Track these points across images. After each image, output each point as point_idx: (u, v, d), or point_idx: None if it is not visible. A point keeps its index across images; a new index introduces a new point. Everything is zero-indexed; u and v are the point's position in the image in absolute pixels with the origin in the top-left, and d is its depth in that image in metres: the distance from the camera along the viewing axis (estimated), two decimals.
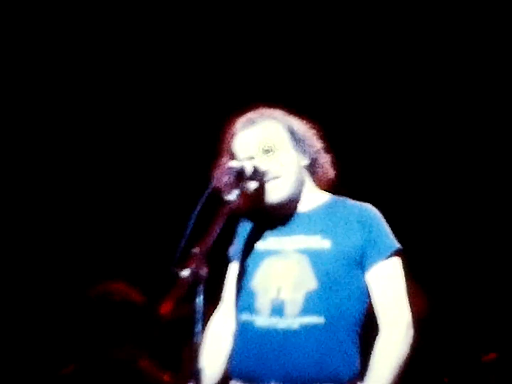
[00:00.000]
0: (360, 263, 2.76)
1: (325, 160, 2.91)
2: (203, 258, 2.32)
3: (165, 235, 4.73)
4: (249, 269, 2.81)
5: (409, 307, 2.73)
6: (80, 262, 5.45)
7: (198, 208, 2.45)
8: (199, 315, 2.27)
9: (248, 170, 2.65)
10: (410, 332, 2.69)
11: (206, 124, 4.85)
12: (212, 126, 3.13)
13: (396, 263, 2.78)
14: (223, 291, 2.95)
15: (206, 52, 5.67)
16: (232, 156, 2.84)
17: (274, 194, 2.77)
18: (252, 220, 2.95)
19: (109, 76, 5.72)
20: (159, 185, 5.87)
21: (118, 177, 5.86)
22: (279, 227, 2.85)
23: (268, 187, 2.76)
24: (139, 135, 5.87)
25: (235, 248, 2.91)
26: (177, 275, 2.31)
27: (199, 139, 5.01)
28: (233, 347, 2.82)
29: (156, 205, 5.87)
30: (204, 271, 2.29)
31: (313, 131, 2.91)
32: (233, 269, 2.93)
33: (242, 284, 2.82)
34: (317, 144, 2.89)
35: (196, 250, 2.33)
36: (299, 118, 2.93)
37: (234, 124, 2.90)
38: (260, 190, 2.73)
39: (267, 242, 2.83)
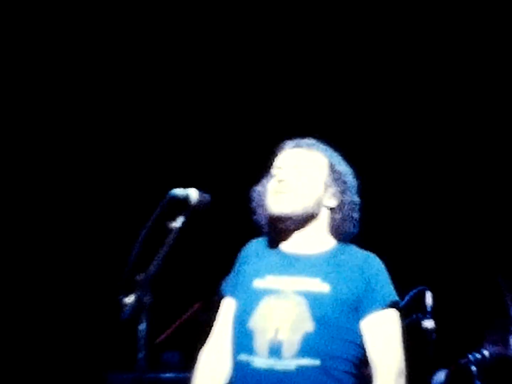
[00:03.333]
0: (357, 310, 2.79)
1: (349, 212, 2.92)
2: (147, 285, 2.37)
3: (109, 261, 4.88)
4: (246, 307, 2.83)
5: (403, 358, 2.80)
6: None
7: (143, 234, 2.46)
8: (141, 342, 2.31)
9: (193, 197, 2.66)
10: (402, 381, 2.79)
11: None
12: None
13: (393, 314, 2.82)
14: (215, 325, 2.96)
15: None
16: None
17: (277, 205, 2.81)
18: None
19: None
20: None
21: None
22: (280, 266, 2.86)
23: (275, 199, 2.81)
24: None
25: (231, 282, 2.92)
26: (120, 302, 2.37)
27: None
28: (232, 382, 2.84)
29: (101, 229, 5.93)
30: (147, 298, 2.34)
31: (355, 182, 2.94)
32: (227, 304, 2.93)
33: (239, 322, 2.83)
34: (350, 196, 2.91)
35: (140, 277, 2.38)
36: (348, 165, 2.96)
37: (286, 143, 2.97)
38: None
39: (267, 281, 2.84)
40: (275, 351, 2.75)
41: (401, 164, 5.77)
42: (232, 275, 2.95)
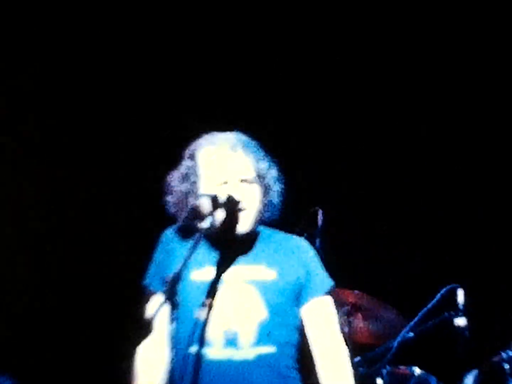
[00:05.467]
0: (299, 296, 2.89)
1: (277, 202, 2.96)
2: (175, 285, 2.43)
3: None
4: (190, 300, 2.81)
5: (343, 341, 2.93)
6: None
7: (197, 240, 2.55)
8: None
9: (222, 198, 2.70)
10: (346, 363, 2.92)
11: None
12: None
13: (330, 300, 2.94)
14: (151, 322, 2.83)
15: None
16: (195, 177, 2.87)
17: (238, 225, 2.81)
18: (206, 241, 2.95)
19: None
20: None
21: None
22: (217, 255, 2.89)
23: (234, 217, 2.79)
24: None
25: (157, 276, 2.91)
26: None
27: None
28: (181, 378, 2.83)
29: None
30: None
31: (277, 172, 2.97)
32: (159, 299, 2.84)
33: (184, 316, 2.80)
34: (276, 186, 2.96)
35: (168, 277, 2.44)
36: (268, 156, 2.98)
37: (200, 142, 2.93)
38: (227, 219, 2.77)
39: (207, 272, 2.86)
40: (231, 341, 2.79)
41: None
42: (154, 268, 2.93)
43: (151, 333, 2.75)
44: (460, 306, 4.27)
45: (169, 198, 2.87)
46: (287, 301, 2.88)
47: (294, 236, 3.03)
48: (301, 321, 2.95)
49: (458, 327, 4.26)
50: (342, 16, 5.75)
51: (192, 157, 2.87)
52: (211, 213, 2.66)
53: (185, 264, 2.58)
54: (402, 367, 4.51)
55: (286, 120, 5.70)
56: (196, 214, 2.65)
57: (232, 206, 2.74)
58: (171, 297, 2.52)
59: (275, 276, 2.87)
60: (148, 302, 2.88)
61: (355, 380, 3.02)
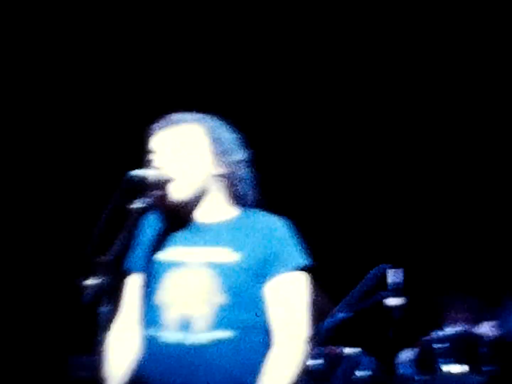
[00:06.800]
0: (265, 275, 2.79)
1: (243, 174, 2.89)
2: (109, 267, 2.41)
3: (70, 244, 4.93)
4: (152, 282, 2.81)
5: (305, 322, 2.76)
6: None
7: (104, 216, 2.47)
8: (103, 324, 2.35)
9: (151, 178, 2.68)
10: (305, 349, 2.75)
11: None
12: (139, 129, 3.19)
13: (300, 278, 2.77)
14: (122, 303, 2.91)
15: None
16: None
17: (175, 193, 2.78)
18: (158, 224, 2.91)
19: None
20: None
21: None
22: (183, 238, 2.84)
23: (171, 186, 2.78)
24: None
25: (134, 257, 2.89)
26: (81, 285, 2.39)
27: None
28: (140, 361, 2.83)
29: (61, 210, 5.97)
30: (109, 281, 2.37)
31: (239, 142, 2.90)
32: (132, 280, 2.89)
33: (145, 297, 2.82)
34: (238, 156, 2.87)
35: (102, 259, 2.41)
36: (227, 126, 2.92)
37: (156, 124, 2.88)
38: (162, 197, 2.74)
39: (170, 253, 2.82)
40: (185, 325, 2.73)
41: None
42: (133, 249, 2.89)
43: (122, 315, 2.83)
44: (390, 286, 4.37)
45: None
46: (251, 284, 2.78)
47: (273, 216, 2.87)
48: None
49: (389, 307, 4.36)
50: (339, 14, 5.73)
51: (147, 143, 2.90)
52: (144, 193, 2.63)
53: (144, 250, 2.72)
54: (333, 347, 4.61)
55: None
56: (128, 195, 2.61)
57: (163, 183, 2.70)
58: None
59: (239, 259, 2.77)
60: (125, 283, 2.87)
61: None
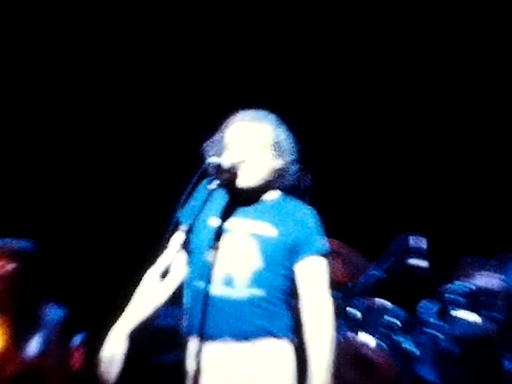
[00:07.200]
0: (295, 253, 3.12)
1: (294, 169, 3.21)
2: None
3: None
4: (203, 242, 3.11)
5: (331, 299, 3.12)
6: None
7: (186, 195, 2.99)
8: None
9: (225, 164, 3.05)
10: (332, 309, 3.13)
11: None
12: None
13: (324, 262, 3.14)
14: (165, 250, 3.21)
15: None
16: (221, 144, 3.20)
17: (243, 180, 3.11)
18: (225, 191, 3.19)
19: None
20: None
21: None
22: (235, 210, 3.16)
23: (240, 173, 3.09)
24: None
25: (187, 215, 3.13)
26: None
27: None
28: (187, 309, 3.13)
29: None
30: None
31: (294, 142, 3.23)
32: (180, 235, 3.17)
33: (196, 254, 3.13)
34: (293, 156, 3.21)
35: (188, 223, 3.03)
36: (286, 127, 3.24)
37: (233, 117, 3.21)
38: (231, 181, 3.11)
39: (224, 221, 3.13)
40: (228, 281, 3.05)
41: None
42: (187, 208, 3.14)
43: (162, 262, 3.15)
44: (412, 251, 4.94)
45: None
46: (282, 255, 3.11)
47: (306, 205, 3.21)
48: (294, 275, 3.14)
49: (412, 265, 4.96)
50: (338, 12, 6.05)
51: (223, 129, 3.21)
52: (217, 177, 3.05)
53: (201, 213, 3.03)
54: (371, 298, 5.06)
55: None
56: (207, 175, 3.07)
57: (234, 171, 3.07)
58: (187, 241, 3.03)
59: (276, 234, 3.10)
60: (174, 234, 3.16)
61: (337, 311, 3.25)
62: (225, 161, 3.05)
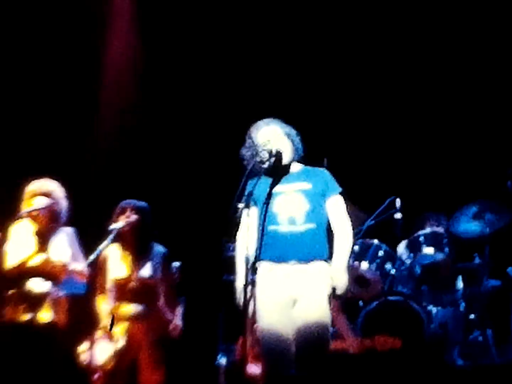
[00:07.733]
0: (323, 196, 4.20)
1: (302, 151, 4.31)
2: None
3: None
4: (270, 202, 4.09)
5: (349, 220, 4.19)
6: None
7: (242, 184, 3.89)
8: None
9: (273, 150, 4.15)
10: (351, 232, 4.19)
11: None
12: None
13: (340, 198, 4.25)
14: (249, 218, 4.04)
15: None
16: (254, 145, 4.19)
17: (285, 159, 4.23)
18: (266, 176, 4.09)
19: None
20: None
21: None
22: (282, 179, 4.20)
23: (282, 156, 4.17)
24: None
25: (250, 196, 3.99)
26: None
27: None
28: (263, 244, 3.99)
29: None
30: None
31: (299, 136, 4.32)
32: (253, 210, 4.10)
33: (267, 210, 4.06)
34: (300, 145, 4.33)
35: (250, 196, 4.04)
36: (291, 127, 4.32)
37: (254, 126, 4.27)
38: (277, 160, 4.17)
39: (278, 187, 4.17)
40: (292, 221, 4.05)
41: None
42: (247, 193, 4.03)
43: (245, 227, 4.04)
44: (397, 208, 6.25)
45: (244, 162, 4.29)
46: (319, 199, 4.14)
47: (322, 169, 4.29)
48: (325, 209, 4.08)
49: (396, 218, 6.29)
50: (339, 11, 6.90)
51: (249, 135, 4.30)
52: (269, 159, 4.11)
53: (257, 191, 4.00)
54: (367, 239, 6.37)
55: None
56: (253, 172, 4.07)
57: (278, 154, 4.17)
58: (249, 205, 3.97)
59: (311, 187, 4.16)
60: (242, 211, 4.04)
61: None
62: (273, 149, 4.20)
